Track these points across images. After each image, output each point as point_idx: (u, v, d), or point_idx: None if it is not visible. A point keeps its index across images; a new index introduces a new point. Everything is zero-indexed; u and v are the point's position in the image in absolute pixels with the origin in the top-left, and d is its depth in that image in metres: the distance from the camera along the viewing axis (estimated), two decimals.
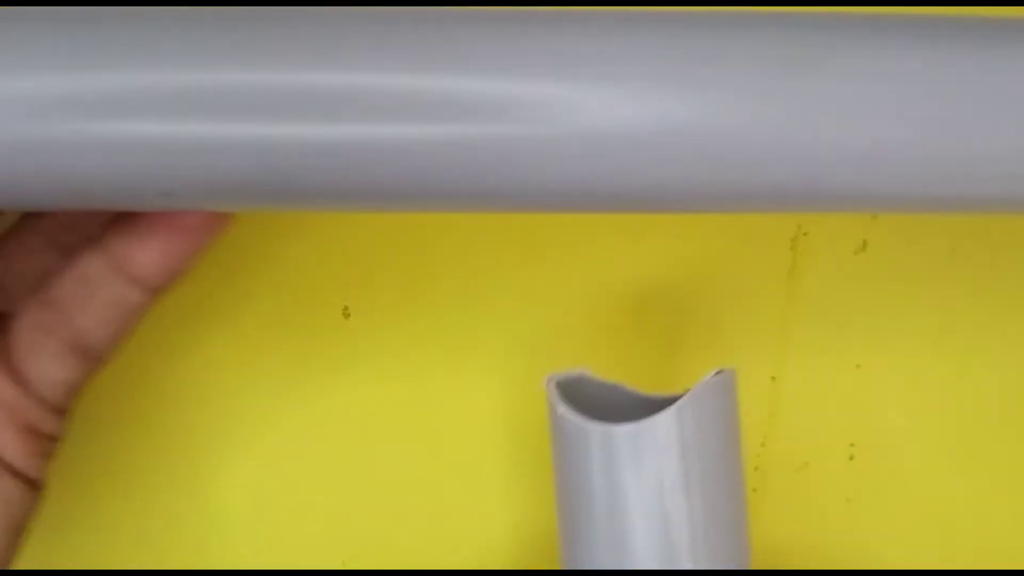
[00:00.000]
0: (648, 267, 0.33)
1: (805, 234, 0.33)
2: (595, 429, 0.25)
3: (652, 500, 0.25)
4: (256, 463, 0.32)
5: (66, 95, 0.21)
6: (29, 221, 0.28)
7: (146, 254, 0.25)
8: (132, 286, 0.25)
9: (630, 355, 0.33)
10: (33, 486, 0.26)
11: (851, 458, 0.34)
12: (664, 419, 0.25)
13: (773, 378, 0.34)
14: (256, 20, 0.22)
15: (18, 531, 0.26)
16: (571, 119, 0.22)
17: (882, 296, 0.33)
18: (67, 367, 0.26)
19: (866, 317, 0.34)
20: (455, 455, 0.33)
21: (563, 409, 0.26)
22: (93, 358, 0.26)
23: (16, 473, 0.25)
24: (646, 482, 0.25)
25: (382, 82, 0.22)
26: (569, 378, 0.27)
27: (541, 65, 0.22)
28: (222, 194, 0.23)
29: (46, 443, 0.26)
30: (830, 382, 0.34)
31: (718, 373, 0.26)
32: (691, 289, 0.33)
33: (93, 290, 0.26)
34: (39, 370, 0.25)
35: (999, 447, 0.34)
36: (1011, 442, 0.34)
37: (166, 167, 0.22)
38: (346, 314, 0.32)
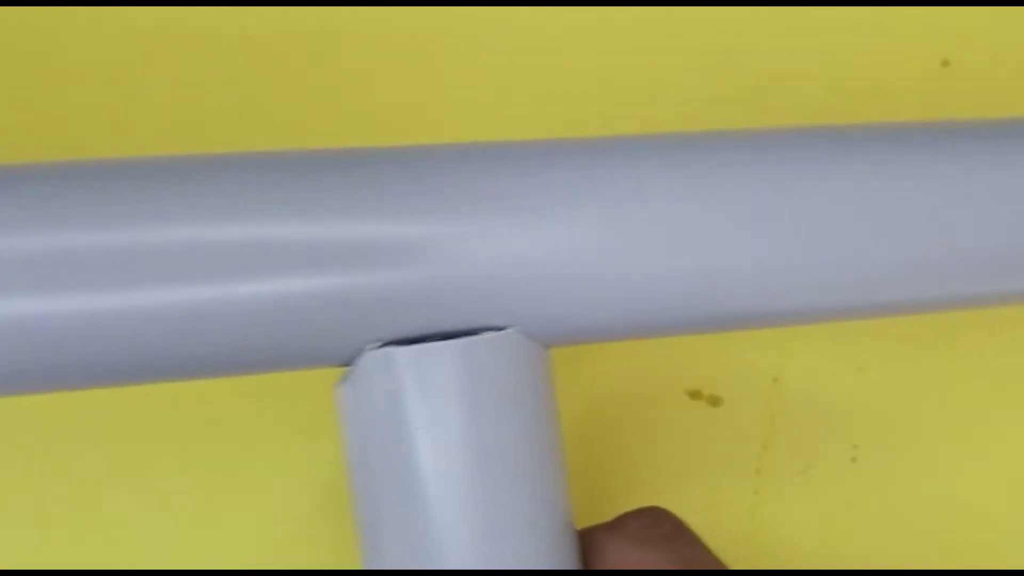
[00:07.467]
0: None
1: None
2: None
3: None
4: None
5: None
6: None
7: None
8: None
9: (631, 355, 0.33)
10: None
11: (853, 460, 0.34)
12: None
13: (775, 380, 0.33)
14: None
15: None
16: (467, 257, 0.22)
17: None
18: None
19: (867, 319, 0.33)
20: None
21: None
22: None
23: None
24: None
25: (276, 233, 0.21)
26: None
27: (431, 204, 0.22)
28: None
29: None
30: (832, 384, 0.34)
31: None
32: None
33: None
34: None
35: (1000, 448, 0.34)
36: (1012, 444, 0.34)
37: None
38: None
